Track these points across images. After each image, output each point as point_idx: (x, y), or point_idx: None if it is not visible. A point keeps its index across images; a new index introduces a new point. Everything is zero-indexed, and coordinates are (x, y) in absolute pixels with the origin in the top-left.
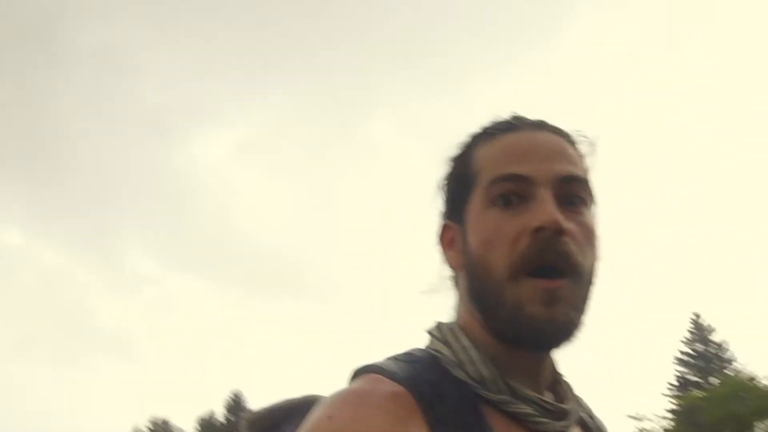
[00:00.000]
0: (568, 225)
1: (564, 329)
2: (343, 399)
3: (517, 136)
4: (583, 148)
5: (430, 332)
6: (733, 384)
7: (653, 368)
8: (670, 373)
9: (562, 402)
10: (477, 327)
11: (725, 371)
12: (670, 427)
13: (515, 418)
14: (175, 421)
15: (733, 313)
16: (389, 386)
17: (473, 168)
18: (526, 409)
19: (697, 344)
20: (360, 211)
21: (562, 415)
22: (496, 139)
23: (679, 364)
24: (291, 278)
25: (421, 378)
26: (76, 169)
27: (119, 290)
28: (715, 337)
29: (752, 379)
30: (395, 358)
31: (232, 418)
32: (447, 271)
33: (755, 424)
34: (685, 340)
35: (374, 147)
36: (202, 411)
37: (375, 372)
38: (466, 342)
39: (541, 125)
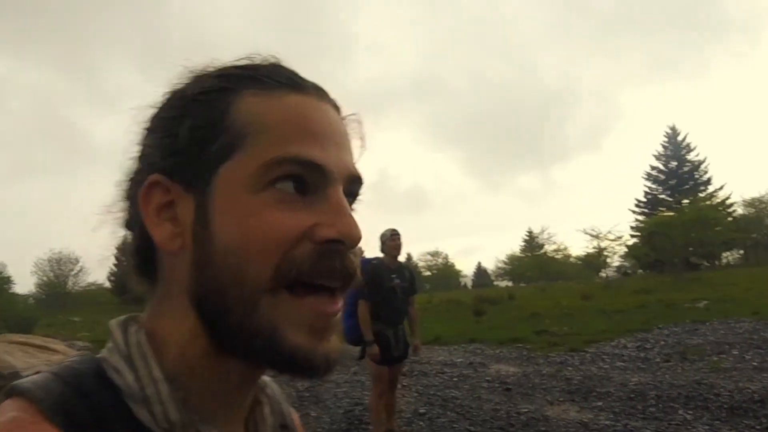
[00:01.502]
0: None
1: (337, 361)
2: None
3: (305, 103)
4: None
5: (113, 337)
6: (704, 209)
7: (622, 181)
8: (638, 188)
9: (257, 430)
10: (185, 336)
11: (699, 194)
12: (629, 247)
13: None
14: None
15: (716, 134)
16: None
17: (238, 124)
18: None
19: (672, 161)
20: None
21: None
22: (275, 95)
23: (649, 180)
24: None
25: (89, 419)
26: None
27: (105, 105)
28: (692, 156)
29: (725, 205)
30: (58, 376)
31: None
32: (139, 242)
33: (722, 254)
34: (657, 154)
35: None
36: None
37: (28, 398)
38: (156, 372)
39: (323, 93)
